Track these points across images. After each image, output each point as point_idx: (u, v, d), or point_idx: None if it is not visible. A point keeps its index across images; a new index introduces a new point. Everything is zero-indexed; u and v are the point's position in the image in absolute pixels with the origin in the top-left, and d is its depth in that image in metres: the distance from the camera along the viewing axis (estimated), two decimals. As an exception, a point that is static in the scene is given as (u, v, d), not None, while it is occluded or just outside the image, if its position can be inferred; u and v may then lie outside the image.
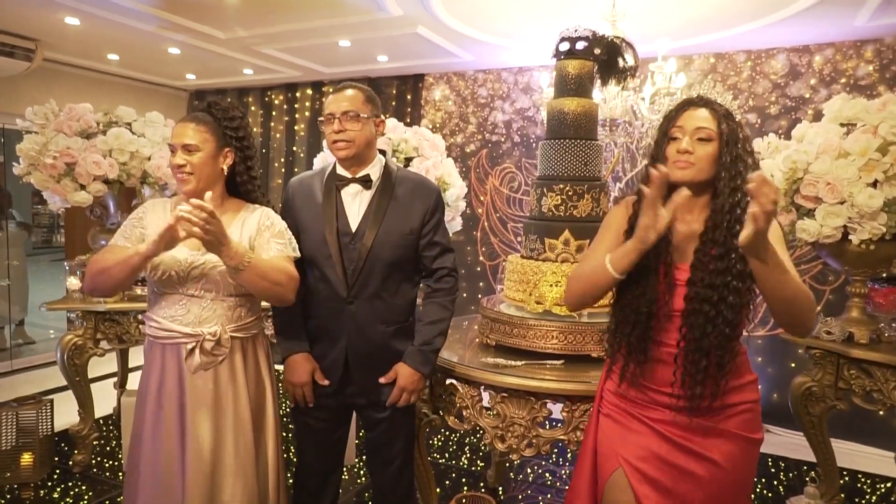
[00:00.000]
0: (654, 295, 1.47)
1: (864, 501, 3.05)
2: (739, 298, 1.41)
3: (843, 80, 3.88)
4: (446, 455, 3.49)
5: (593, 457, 1.62)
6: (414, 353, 1.88)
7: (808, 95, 3.98)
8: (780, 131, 3.87)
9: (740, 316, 1.43)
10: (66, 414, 3.43)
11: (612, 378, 1.63)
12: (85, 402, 3.12)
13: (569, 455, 3.49)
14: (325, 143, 3.39)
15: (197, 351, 1.69)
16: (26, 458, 2.88)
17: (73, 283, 3.09)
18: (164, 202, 1.82)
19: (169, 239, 1.56)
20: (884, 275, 2.67)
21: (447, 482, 3.15)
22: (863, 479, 3.28)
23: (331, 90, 5.83)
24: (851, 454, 3.52)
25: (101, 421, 3.71)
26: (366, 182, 1.87)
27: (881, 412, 2.55)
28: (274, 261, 1.73)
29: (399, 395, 1.87)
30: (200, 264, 1.69)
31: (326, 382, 1.90)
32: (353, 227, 1.85)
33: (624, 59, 2.37)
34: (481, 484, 3.14)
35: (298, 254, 1.83)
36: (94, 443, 3.25)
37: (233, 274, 1.64)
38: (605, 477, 1.56)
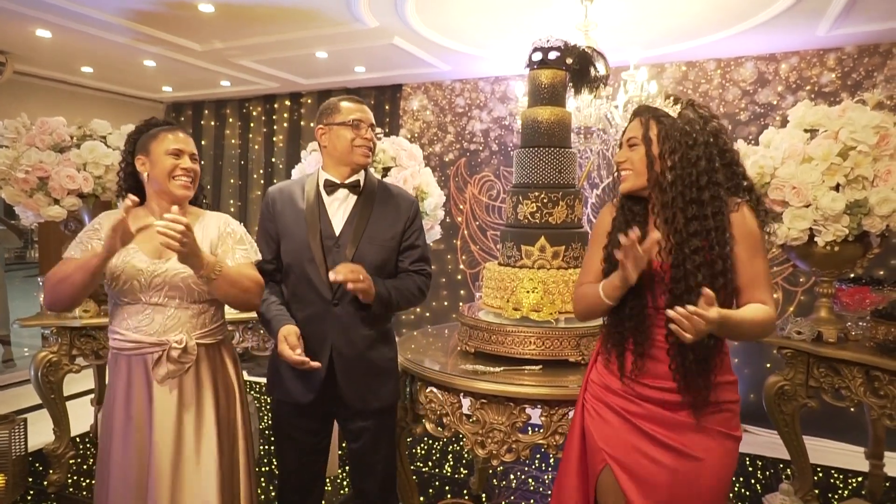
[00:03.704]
0: (644, 298, 1.55)
1: (836, 496, 3.13)
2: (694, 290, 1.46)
3: (808, 88, 4.00)
4: (430, 463, 3.49)
5: (578, 447, 1.67)
6: (380, 282, 1.86)
7: (775, 102, 4.10)
8: (750, 137, 4.00)
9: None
10: (40, 433, 3.36)
11: (598, 368, 1.69)
12: (60, 420, 3.06)
13: (551, 460, 3.52)
14: (303, 153, 3.40)
15: (164, 360, 1.70)
16: (-1, 480, 2.82)
17: (48, 298, 3.04)
18: (120, 212, 1.81)
19: (123, 232, 1.55)
20: (850, 275, 2.75)
21: (430, 490, 3.15)
22: (835, 475, 3.35)
23: (310, 100, 5.78)
24: (824, 451, 3.60)
25: (78, 439, 3.65)
26: (354, 187, 1.94)
27: (852, 409, 2.62)
28: (242, 268, 1.77)
29: (348, 273, 1.75)
30: (162, 272, 1.71)
31: (308, 360, 1.78)
32: (337, 231, 1.91)
33: (595, 69, 2.43)
34: (465, 491, 3.15)
35: (260, 256, 1.88)
36: (71, 462, 3.19)
37: (204, 283, 1.67)
38: (595, 474, 1.62)
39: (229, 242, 1.82)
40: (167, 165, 1.75)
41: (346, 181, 1.93)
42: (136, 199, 1.58)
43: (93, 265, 1.59)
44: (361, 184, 1.95)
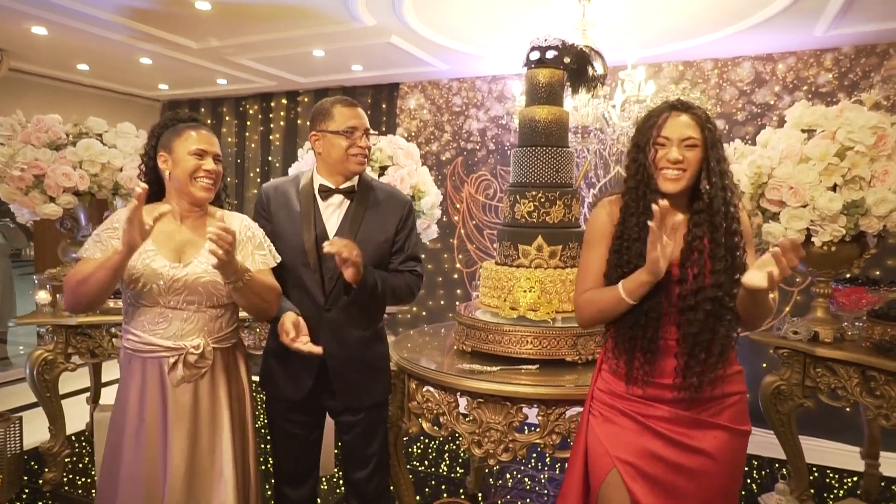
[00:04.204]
0: (661, 297, 1.52)
1: (832, 496, 3.13)
2: (731, 294, 1.48)
3: (805, 88, 4.00)
4: (426, 462, 3.49)
5: (584, 459, 1.65)
6: (370, 269, 1.83)
7: (772, 102, 4.10)
8: (746, 137, 4.00)
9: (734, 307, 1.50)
10: (36, 431, 3.35)
11: (603, 377, 1.67)
12: (56, 419, 3.05)
13: (547, 460, 3.52)
14: (300, 152, 3.40)
15: (180, 364, 1.68)
16: (-6, 478, 2.81)
17: (43, 296, 3.03)
18: (147, 219, 1.80)
19: (140, 225, 1.50)
20: (846, 275, 2.76)
21: (427, 489, 3.15)
22: (831, 475, 3.36)
23: (306, 99, 5.77)
24: (820, 450, 3.61)
25: (73, 437, 3.64)
26: (349, 193, 1.92)
27: (847, 409, 2.62)
28: (265, 278, 1.75)
29: (342, 246, 1.71)
30: (183, 276, 1.68)
31: (319, 350, 1.76)
32: (332, 235, 1.89)
33: (593, 68, 2.42)
34: (461, 490, 3.15)
35: (279, 259, 1.86)
36: (66, 460, 3.18)
37: (230, 289, 1.65)
38: (599, 478, 1.59)
39: (249, 247, 1.79)
40: (189, 166, 1.71)
41: (341, 187, 1.91)
42: (146, 186, 1.55)
43: (113, 262, 1.55)
44: (356, 188, 1.94)
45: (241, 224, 1.82)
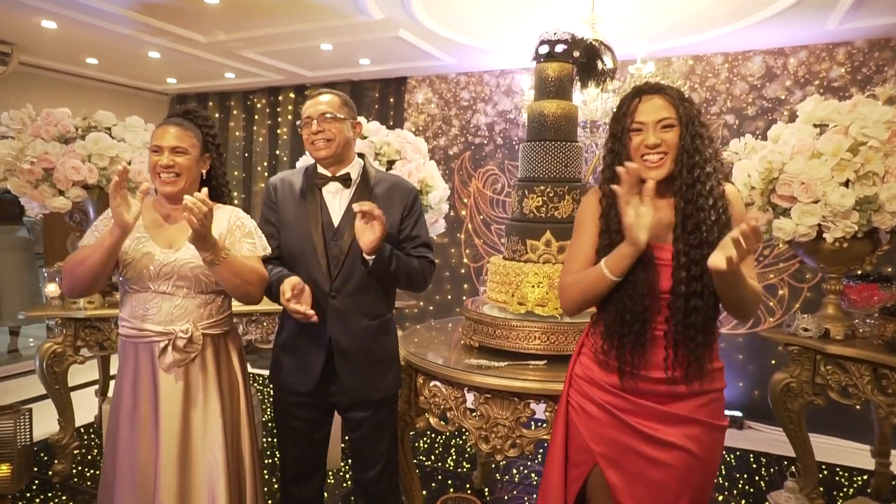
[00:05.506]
0: (654, 285, 1.49)
1: (841, 494, 3.11)
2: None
3: (816, 82, 3.96)
4: (432, 457, 3.50)
5: (563, 445, 1.65)
6: (386, 244, 1.82)
7: (783, 97, 4.06)
8: (757, 132, 3.96)
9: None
10: (45, 423, 3.37)
11: (582, 361, 1.65)
12: (65, 411, 3.07)
13: (554, 455, 3.51)
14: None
15: (170, 349, 1.72)
16: (3, 470, 2.83)
17: (52, 289, 3.05)
18: (135, 202, 1.81)
19: (124, 203, 1.55)
20: (858, 272, 2.73)
21: (433, 484, 3.15)
22: (841, 473, 3.34)
23: (314, 92, 5.80)
24: (830, 448, 3.59)
25: (82, 429, 3.67)
26: (346, 181, 1.93)
27: (857, 406, 2.61)
28: (247, 259, 1.77)
29: (374, 208, 1.72)
30: (171, 261, 1.72)
31: (312, 313, 1.75)
32: (336, 223, 1.90)
33: (602, 62, 2.40)
34: (467, 485, 3.15)
35: (269, 250, 1.87)
36: (75, 452, 3.21)
37: (208, 267, 1.67)
38: (583, 475, 1.60)
39: (237, 235, 1.81)
40: (151, 163, 1.75)
41: (337, 175, 1.93)
42: (126, 165, 1.60)
43: (108, 243, 1.60)
44: (354, 176, 1.94)
45: (232, 214, 1.85)
